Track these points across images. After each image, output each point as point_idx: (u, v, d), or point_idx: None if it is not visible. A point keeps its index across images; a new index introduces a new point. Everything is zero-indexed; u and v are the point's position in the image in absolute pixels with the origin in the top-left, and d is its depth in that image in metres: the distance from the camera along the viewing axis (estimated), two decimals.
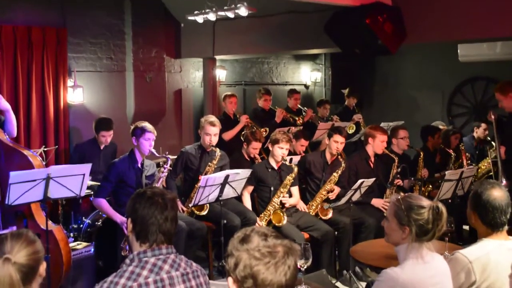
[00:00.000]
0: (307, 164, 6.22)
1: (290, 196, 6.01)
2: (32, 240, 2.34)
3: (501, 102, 5.90)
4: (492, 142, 6.83)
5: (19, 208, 4.58)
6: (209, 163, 5.96)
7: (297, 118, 8.34)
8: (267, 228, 2.02)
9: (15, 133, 4.98)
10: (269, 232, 1.95)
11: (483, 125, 8.19)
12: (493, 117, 5.71)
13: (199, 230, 5.60)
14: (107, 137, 6.65)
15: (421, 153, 6.78)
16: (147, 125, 5.37)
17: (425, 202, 2.84)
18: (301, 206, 6.09)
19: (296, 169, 5.89)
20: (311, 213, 6.04)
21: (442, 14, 6.20)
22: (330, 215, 5.92)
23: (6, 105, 4.80)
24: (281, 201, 5.85)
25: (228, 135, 7.57)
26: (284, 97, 9.66)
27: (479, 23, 6.02)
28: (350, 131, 8.51)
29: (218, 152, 5.95)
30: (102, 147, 6.73)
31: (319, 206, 6.04)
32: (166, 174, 5.46)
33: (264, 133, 7.21)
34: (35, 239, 2.37)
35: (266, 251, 1.86)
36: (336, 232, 5.85)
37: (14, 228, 4.52)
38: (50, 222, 4.76)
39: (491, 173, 6.21)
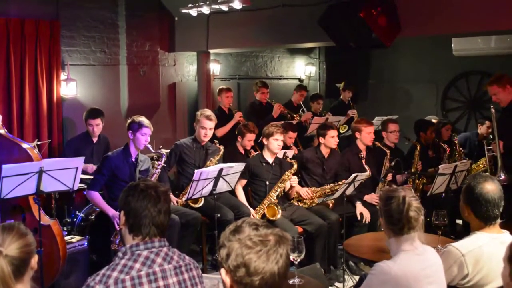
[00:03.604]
0: (304, 160, 6.24)
1: (285, 190, 6.03)
2: (24, 233, 2.34)
3: (496, 95, 5.82)
4: (491, 136, 6.80)
5: (17, 202, 4.60)
6: (211, 159, 5.99)
7: (295, 116, 8.33)
8: (258, 219, 2.02)
9: None
10: (260, 222, 1.96)
11: (487, 123, 8.15)
12: (492, 110, 5.66)
13: (194, 220, 5.63)
14: (94, 126, 6.58)
15: (418, 146, 6.79)
16: (144, 120, 5.38)
17: (397, 193, 2.89)
18: (304, 190, 6.08)
19: (295, 166, 5.90)
20: (314, 197, 6.04)
21: (436, 7, 6.19)
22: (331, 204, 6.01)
23: None
24: (278, 195, 5.86)
25: (221, 131, 7.56)
26: (279, 91, 9.69)
27: (473, 17, 6.00)
28: (342, 131, 8.50)
29: (222, 148, 6.04)
30: (94, 140, 6.71)
31: (323, 195, 6.07)
32: (160, 170, 5.46)
33: None
34: (26, 232, 2.37)
35: (258, 239, 1.88)
36: None
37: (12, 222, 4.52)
38: (47, 217, 4.82)
39: (487, 173, 6.19)
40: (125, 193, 2.62)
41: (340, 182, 6.01)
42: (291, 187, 6.03)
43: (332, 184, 6.09)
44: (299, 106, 8.90)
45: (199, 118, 6.01)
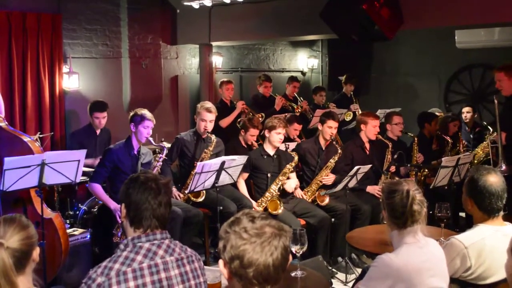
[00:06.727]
0: (302, 151, 6.23)
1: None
2: (25, 225, 2.35)
3: (500, 82, 5.77)
4: (489, 127, 6.77)
5: (19, 195, 4.59)
6: (205, 150, 5.96)
7: (295, 107, 8.36)
8: (258, 211, 2.04)
9: (3, 110, 4.93)
10: (258, 214, 1.97)
11: (465, 109, 8.24)
12: (495, 101, 5.61)
13: (195, 217, 5.62)
14: (100, 118, 6.63)
15: (416, 138, 6.81)
16: (146, 112, 5.38)
17: (401, 187, 2.88)
18: (299, 193, 6.09)
19: (296, 158, 5.91)
20: (307, 199, 6.05)
21: None
22: (327, 201, 5.94)
23: None
24: (279, 188, 5.85)
25: (225, 122, 7.60)
26: (281, 83, 9.66)
27: (476, 9, 6.02)
28: (348, 118, 8.53)
29: (213, 138, 5.95)
30: (98, 132, 6.72)
31: (316, 192, 6.05)
32: (161, 163, 5.46)
33: (260, 118, 7.22)
34: (28, 224, 2.38)
35: (253, 232, 1.90)
36: (332, 219, 5.87)
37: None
38: (49, 210, 4.81)
39: (488, 157, 6.17)
40: (126, 186, 2.62)
41: (322, 172, 6.03)
42: (295, 187, 6.07)
43: (314, 179, 6.10)
44: (295, 98, 8.90)
45: (199, 111, 6.00)
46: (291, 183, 6.01)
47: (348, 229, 5.44)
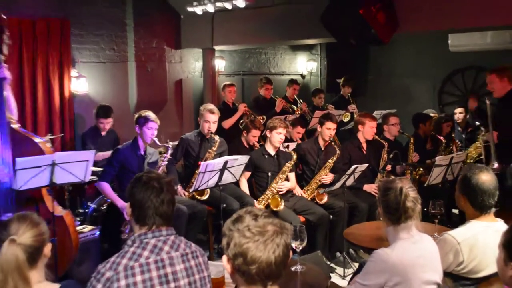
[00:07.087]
0: (302, 151, 6.31)
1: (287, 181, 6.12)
2: (37, 222, 2.44)
3: (491, 85, 5.80)
4: (481, 127, 6.87)
5: (31, 194, 4.66)
6: (209, 150, 6.05)
7: (296, 109, 8.47)
8: (260, 209, 2.09)
9: (16, 110, 4.94)
10: (261, 212, 2.01)
11: (458, 109, 8.37)
12: (487, 102, 5.66)
13: (200, 212, 5.72)
14: (105, 124, 6.80)
15: (411, 138, 6.89)
16: (150, 114, 5.46)
17: (395, 185, 2.97)
18: (298, 191, 6.20)
19: (295, 156, 5.98)
20: (307, 197, 6.15)
21: (433, 3, 6.26)
22: (325, 199, 6.03)
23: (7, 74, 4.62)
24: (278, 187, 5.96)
25: (228, 123, 7.70)
26: (281, 86, 9.74)
27: (470, 13, 6.09)
28: (345, 119, 8.63)
29: (217, 138, 6.04)
30: (103, 133, 6.88)
31: (315, 191, 6.18)
32: (166, 163, 5.56)
33: (262, 120, 7.31)
34: (39, 221, 2.47)
35: (256, 230, 1.93)
36: (331, 216, 5.94)
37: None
38: (60, 208, 4.87)
39: (481, 157, 6.27)
40: (130, 185, 2.69)
41: (321, 171, 6.15)
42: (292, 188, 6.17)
43: (313, 178, 6.22)
44: (295, 100, 8.98)
45: (203, 113, 6.09)
46: (288, 184, 6.05)
47: (346, 226, 5.50)
